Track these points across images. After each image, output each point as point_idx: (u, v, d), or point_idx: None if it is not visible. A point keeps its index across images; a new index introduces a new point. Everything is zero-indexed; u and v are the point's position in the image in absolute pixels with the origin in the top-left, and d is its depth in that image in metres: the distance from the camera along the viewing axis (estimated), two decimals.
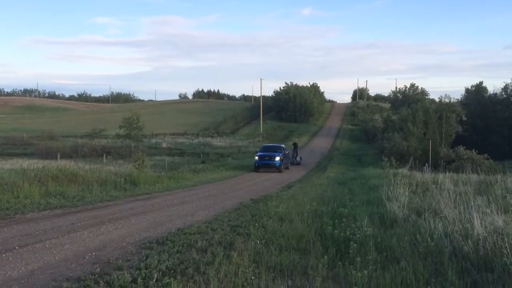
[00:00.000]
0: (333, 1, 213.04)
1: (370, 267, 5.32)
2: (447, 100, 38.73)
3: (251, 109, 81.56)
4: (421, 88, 71.30)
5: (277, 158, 25.66)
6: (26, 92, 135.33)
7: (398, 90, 74.02)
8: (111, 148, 36.30)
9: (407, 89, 71.08)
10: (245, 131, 64.85)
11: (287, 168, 27.76)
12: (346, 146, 52.61)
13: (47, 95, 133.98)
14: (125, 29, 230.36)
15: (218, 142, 53.27)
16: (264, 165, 25.54)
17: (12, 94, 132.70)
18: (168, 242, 6.79)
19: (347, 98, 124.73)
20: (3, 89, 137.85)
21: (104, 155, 26.19)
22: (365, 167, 29.42)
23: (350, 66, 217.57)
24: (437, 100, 54.28)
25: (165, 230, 7.94)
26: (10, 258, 5.66)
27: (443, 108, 36.48)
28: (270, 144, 34.23)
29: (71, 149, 36.36)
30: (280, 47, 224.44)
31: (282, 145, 29.14)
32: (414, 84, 71.37)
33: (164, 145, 47.75)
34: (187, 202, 12.37)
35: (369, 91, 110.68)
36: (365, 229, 7.00)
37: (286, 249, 6.44)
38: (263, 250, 6.26)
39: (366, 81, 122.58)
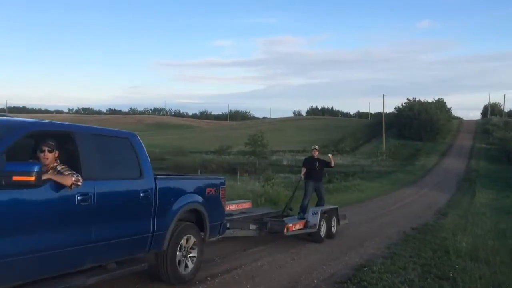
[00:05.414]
0: (451, 13, 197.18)
1: None
2: None
3: (370, 126, 78.33)
4: None
5: None
6: (156, 111, 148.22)
7: None
8: (237, 165, 37.05)
9: None
10: (366, 149, 62.11)
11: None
12: (484, 168, 47.05)
13: (173, 113, 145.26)
14: (240, 49, 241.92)
15: (338, 160, 51.55)
16: None
17: (143, 112, 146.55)
18: (364, 283, 5.84)
19: (472, 114, 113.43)
20: (136, 108, 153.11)
21: (238, 172, 26.61)
22: None
23: (475, 80, 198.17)
24: None
25: (348, 265, 7.07)
26: None
27: None
28: None
29: (200, 165, 37.98)
30: (394, 62, 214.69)
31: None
32: None
33: (284, 162, 47.56)
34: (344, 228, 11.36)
35: (501, 107, 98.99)
36: None
37: None
38: None
39: (504, 95, 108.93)
